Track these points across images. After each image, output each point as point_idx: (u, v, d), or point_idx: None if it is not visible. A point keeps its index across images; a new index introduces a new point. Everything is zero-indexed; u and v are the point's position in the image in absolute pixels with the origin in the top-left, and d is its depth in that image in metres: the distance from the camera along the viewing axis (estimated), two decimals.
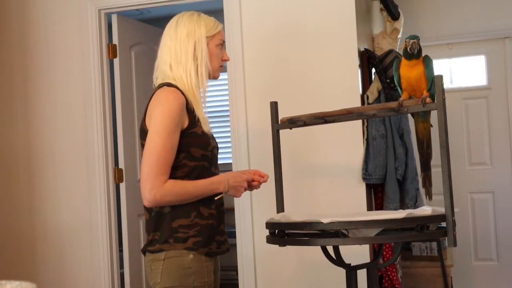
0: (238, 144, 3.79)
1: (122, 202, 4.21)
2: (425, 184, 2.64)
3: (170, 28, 2.32)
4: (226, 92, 4.87)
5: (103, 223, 4.04)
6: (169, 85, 2.23)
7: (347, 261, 2.56)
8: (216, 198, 2.25)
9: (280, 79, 3.76)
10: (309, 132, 3.46)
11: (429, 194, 2.66)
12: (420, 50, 2.47)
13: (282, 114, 2.83)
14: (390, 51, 3.88)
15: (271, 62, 3.78)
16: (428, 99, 2.41)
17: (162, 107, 2.16)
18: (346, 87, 3.66)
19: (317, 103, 3.57)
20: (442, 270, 4.01)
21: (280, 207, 2.77)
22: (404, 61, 2.51)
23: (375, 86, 3.84)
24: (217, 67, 2.36)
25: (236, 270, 3.83)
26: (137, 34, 4.49)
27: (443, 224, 2.35)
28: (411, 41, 2.45)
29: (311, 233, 2.42)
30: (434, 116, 2.49)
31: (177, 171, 2.19)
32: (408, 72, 2.49)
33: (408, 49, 2.46)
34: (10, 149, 4.25)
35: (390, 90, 3.79)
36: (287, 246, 2.64)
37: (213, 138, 2.32)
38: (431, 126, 2.59)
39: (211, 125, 2.41)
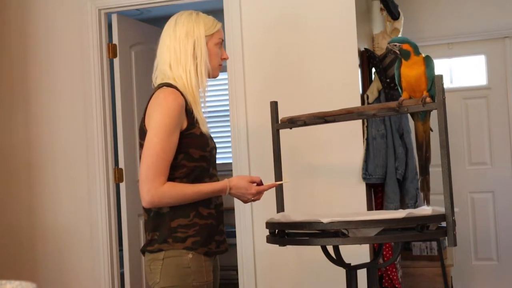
0: (238, 144, 3.79)
1: (122, 202, 4.21)
2: (423, 188, 2.64)
3: (169, 28, 2.32)
4: (226, 92, 4.87)
5: (103, 223, 4.04)
6: (168, 85, 2.23)
7: (347, 261, 2.56)
8: None
9: (280, 79, 3.76)
10: (309, 132, 3.46)
11: (427, 199, 2.65)
12: (402, 53, 2.48)
13: (282, 114, 2.83)
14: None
15: (271, 62, 3.78)
16: (428, 99, 2.41)
17: (161, 108, 2.16)
18: (346, 87, 3.66)
19: (317, 103, 3.57)
20: (442, 270, 4.01)
21: (280, 207, 2.77)
22: (403, 61, 2.52)
23: (375, 86, 3.84)
24: (216, 66, 2.36)
25: (236, 270, 3.83)
26: (137, 34, 4.49)
27: (443, 224, 2.35)
28: (387, 45, 2.49)
29: (311, 233, 2.42)
30: (434, 116, 2.49)
31: (175, 171, 2.19)
32: (408, 71, 2.49)
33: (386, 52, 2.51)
34: (10, 149, 4.25)
35: (390, 90, 3.79)
36: (287, 246, 2.64)
37: (212, 139, 2.31)
38: (431, 130, 2.58)
39: (211, 125, 2.41)
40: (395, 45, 2.49)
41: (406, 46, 2.49)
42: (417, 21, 5.22)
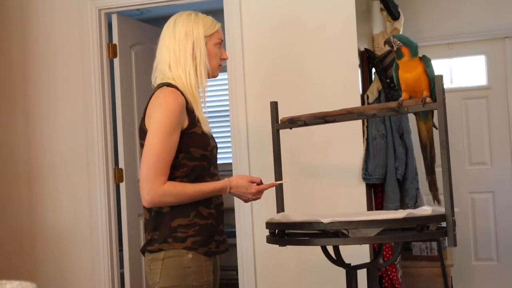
0: (238, 144, 3.79)
1: (122, 202, 4.21)
2: (431, 188, 2.62)
3: (168, 28, 2.32)
4: (226, 92, 4.87)
5: (103, 223, 4.04)
6: (168, 85, 2.23)
7: (347, 261, 2.56)
8: None
9: (280, 79, 3.76)
10: (309, 132, 3.46)
11: (436, 199, 2.64)
12: (397, 51, 2.48)
13: (282, 114, 2.83)
14: (390, 51, 3.88)
15: (271, 62, 3.78)
16: (428, 99, 2.41)
17: (162, 108, 2.16)
18: (346, 87, 3.65)
19: (317, 103, 3.57)
20: (442, 270, 4.01)
21: (280, 207, 2.77)
22: (399, 63, 2.51)
23: (375, 86, 3.84)
24: (216, 66, 2.36)
25: (236, 270, 3.83)
26: (137, 34, 4.49)
27: (443, 224, 2.35)
28: (391, 37, 2.49)
29: (311, 233, 2.42)
30: (434, 116, 2.49)
31: (176, 170, 2.19)
32: (406, 73, 2.49)
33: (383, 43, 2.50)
34: (10, 149, 4.25)
35: (390, 90, 3.79)
36: (287, 246, 2.64)
37: (213, 138, 2.32)
38: (436, 128, 2.58)
39: (211, 125, 2.41)
40: (396, 43, 2.49)
41: (404, 50, 2.49)
42: (417, 21, 5.22)
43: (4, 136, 4.27)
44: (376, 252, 2.78)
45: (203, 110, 2.31)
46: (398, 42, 2.49)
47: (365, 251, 3.50)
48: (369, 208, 3.70)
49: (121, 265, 4.19)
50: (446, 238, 2.31)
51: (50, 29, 4.21)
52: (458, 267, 5.02)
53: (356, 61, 3.70)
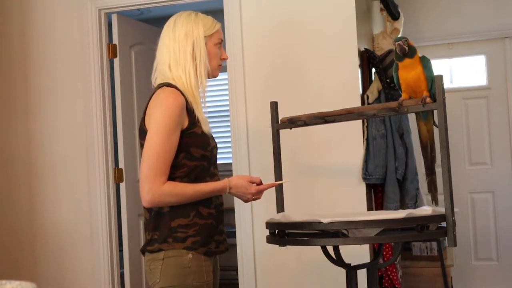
0: (238, 144, 3.79)
1: (122, 202, 4.21)
2: (431, 189, 2.62)
3: (168, 29, 2.32)
4: (226, 92, 4.87)
5: (103, 223, 4.04)
6: (168, 85, 2.23)
7: (347, 261, 2.57)
8: None
9: (280, 79, 3.76)
10: (309, 132, 3.46)
11: (435, 200, 2.64)
12: (410, 50, 2.47)
13: (282, 114, 2.83)
14: (390, 51, 3.88)
15: (271, 62, 3.78)
16: (428, 99, 2.41)
17: (162, 108, 2.16)
18: (346, 87, 3.65)
19: (317, 103, 3.57)
20: (442, 270, 4.01)
21: (280, 207, 2.77)
22: (399, 63, 2.51)
23: (375, 86, 3.84)
24: (216, 66, 2.36)
25: (236, 270, 3.83)
26: (137, 34, 4.49)
27: (443, 224, 2.35)
28: (396, 43, 2.47)
29: (311, 233, 2.42)
30: (434, 116, 2.49)
31: (176, 170, 2.19)
32: (406, 73, 2.49)
33: (398, 51, 2.47)
34: (10, 149, 4.25)
35: (390, 90, 3.79)
36: (287, 246, 2.64)
37: (213, 138, 2.32)
38: (437, 126, 2.58)
39: (211, 125, 2.41)
40: (404, 43, 2.48)
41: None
42: (417, 21, 5.22)
43: (4, 136, 4.27)
44: (376, 252, 2.78)
45: (203, 110, 2.31)
46: (404, 40, 2.48)
47: (365, 251, 3.50)
48: (369, 208, 3.70)
49: (121, 265, 4.19)
50: (446, 238, 2.31)
51: (50, 29, 4.21)
52: (458, 267, 5.02)
53: (356, 61, 3.70)
